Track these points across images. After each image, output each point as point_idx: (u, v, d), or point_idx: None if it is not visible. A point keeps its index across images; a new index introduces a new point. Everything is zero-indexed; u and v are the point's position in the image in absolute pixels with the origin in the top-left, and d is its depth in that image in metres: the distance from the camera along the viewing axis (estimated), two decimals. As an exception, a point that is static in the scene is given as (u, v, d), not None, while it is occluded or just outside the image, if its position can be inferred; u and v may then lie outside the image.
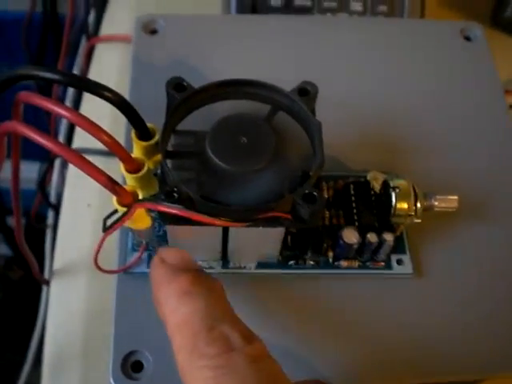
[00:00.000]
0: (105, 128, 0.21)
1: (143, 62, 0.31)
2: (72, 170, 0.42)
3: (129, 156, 0.23)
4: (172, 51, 0.31)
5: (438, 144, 0.30)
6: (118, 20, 0.50)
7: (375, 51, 0.33)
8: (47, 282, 0.41)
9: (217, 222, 0.20)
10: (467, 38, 0.35)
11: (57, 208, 0.51)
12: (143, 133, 0.23)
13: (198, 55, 0.31)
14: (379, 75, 0.32)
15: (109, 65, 0.46)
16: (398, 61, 0.33)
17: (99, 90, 0.22)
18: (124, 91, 0.39)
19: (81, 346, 0.34)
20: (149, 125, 0.23)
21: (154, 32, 0.32)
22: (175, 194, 0.21)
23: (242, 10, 0.38)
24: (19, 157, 0.29)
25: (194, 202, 0.21)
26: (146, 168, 0.23)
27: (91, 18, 0.53)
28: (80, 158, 0.21)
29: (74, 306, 0.36)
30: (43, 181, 0.50)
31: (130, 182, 0.23)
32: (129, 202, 0.22)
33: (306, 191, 0.22)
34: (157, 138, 0.23)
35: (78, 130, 0.42)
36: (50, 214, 0.54)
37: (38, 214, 0.56)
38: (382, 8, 0.38)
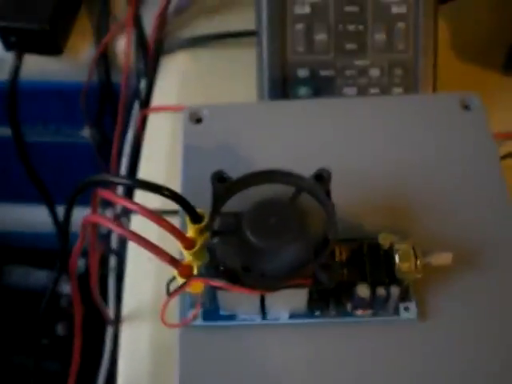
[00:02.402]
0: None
1: (192, 149, 0.38)
2: (135, 223, 0.49)
3: (185, 237, 0.29)
4: (215, 138, 0.38)
5: (438, 207, 0.36)
6: (167, 89, 0.57)
7: (380, 128, 0.39)
8: (113, 323, 0.48)
9: (253, 291, 0.27)
10: (466, 107, 0.40)
11: (118, 254, 0.59)
12: (195, 217, 0.30)
13: (238, 141, 0.38)
14: (387, 151, 0.38)
15: (161, 132, 0.53)
16: (402, 135, 0.39)
17: (159, 190, 0.29)
18: (173, 157, 0.45)
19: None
20: (199, 210, 0.30)
21: (199, 121, 0.39)
22: (221, 268, 0.28)
23: (274, 94, 0.45)
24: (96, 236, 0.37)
25: (235, 273, 0.28)
26: (198, 245, 0.29)
27: (142, 85, 0.60)
28: (148, 242, 0.28)
29: (142, 347, 0.43)
30: (109, 232, 0.57)
31: (186, 255, 0.30)
32: (187, 274, 0.29)
33: (323, 261, 0.28)
34: (205, 221, 0.30)
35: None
36: (113, 259, 0.60)
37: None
38: (397, 90, 0.45)
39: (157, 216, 0.28)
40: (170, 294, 0.30)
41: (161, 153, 0.52)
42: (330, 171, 0.31)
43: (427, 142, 0.38)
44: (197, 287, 0.30)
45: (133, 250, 0.48)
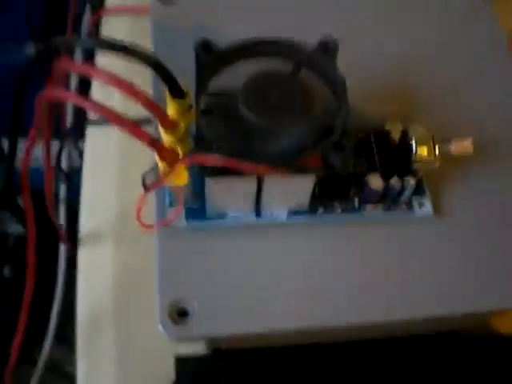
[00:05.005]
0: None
1: (163, 32, 0.32)
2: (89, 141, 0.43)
3: (166, 114, 0.24)
4: (191, 19, 0.32)
5: (448, 94, 0.31)
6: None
7: (383, 9, 0.34)
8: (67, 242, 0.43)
9: (260, 168, 0.22)
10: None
11: (69, 178, 0.53)
12: (177, 91, 0.24)
13: (216, 21, 0.32)
14: (389, 31, 0.33)
15: (118, 38, 0.47)
16: (417, 10, 0.34)
17: (133, 52, 0.23)
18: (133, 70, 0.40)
19: (113, 307, 0.36)
20: (181, 84, 0.25)
21: (171, 2, 0.33)
22: (214, 148, 0.23)
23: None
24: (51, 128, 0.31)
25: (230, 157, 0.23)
26: (182, 126, 0.24)
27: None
28: (121, 118, 0.22)
29: (103, 268, 0.38)
30: (59, 156, 0.51)
31: (166, 139, 0.24)
32: (172, 157, 0.23)
33: (336, 140, 0.23)
34: (190, 96, 0.25)
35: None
36: (62, 188, 0.55)
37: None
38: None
39: (133, 88, 0.23)
40: (147, 188, 0.25)
41: (117, 61, 0.46)
42: (336, 40, 0.26)
43: (434, 22, 0.34)
44: (181, 179, 0.24)
45: (90, 161, 0.43)
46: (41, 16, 0.58)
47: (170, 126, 0.24)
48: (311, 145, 0.24)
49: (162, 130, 0.24)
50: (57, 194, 0.54)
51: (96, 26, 0.50)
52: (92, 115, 0.44)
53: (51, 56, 0.24)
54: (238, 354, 0.31)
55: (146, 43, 0.34)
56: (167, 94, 0.24)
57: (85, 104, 0.22)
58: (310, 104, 0.25)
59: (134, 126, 0.22)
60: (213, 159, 0.22)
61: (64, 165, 0.54)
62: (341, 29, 0.27)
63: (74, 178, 0.48)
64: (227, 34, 0.31)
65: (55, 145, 0.53)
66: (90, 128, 0.44)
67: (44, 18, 0.59)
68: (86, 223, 0.40)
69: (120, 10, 0.48)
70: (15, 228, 0.80)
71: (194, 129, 0.24)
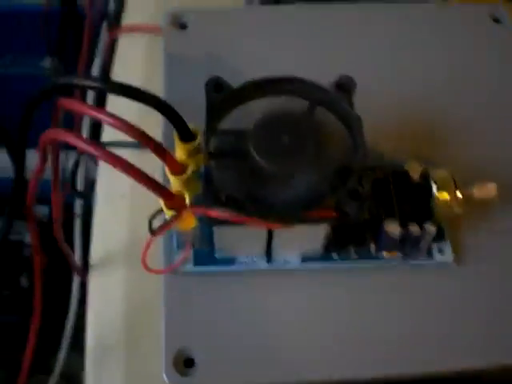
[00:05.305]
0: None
1: (175, 59, 0.31)
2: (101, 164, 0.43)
3: (174, 159, 0.23)
4: (202, 46, 0.31)
5: (472, 132, 0.30)
6: (140, 9, 0.50)
7: (406, 38, 0.33)
8: (81, 271, 0.42)
9: (269, 224, 0.21)
10: (496, 21, 0.34)
11: (84, 196, 0.52)
12: (186, 135, 0.23)
13: (229, 49, 0.31)
14: (413, 64, 0.32)
15: (134, 57, 0.46)
16: (429, 48, 0.33)
17: (141, 95, 0.22)
18: (150, 85, 0.39)
19: (123, 335, 0.35)
20: (190, 126, 0.24)
21: (183, 27, 0.32)
22: (222, 197, 0.22)
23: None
24: (59, 163, 0.30)
25: (239, 203, 0.22)
26: (190, 170, 0.23)
27: (111, 6, 0.52)
28: (127, 164, 0.21)
29: (113, 296, 0.37)
30: (75, 171, 0.50)
31: (174, 183, 0.24)
32: (177, 205, 0.22)
33: (351, 188, 0.22)
34: (199, 139, 0.24)
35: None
36: (78, 203, 0.54)
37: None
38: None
39: (138, 130, 0.22)
40: (153, 232, 0.24)
41: (133, 81, 0.45)
42: (353, 79, 0.25)
43: (454, 54, 0.33)
44: (188, 222, 0.23)
45: (103, 186, 0.42)
46: (57, 31, 0.58)
47: (178, 170, 0.23)
48: (325, 191, 0.23)
49: (169, 174, 0.23)
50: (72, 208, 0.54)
51: (112, 43, 0.49)
52: (105, 137, 0.43)
53: (60, 93, 0.24)
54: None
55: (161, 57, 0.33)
56: (176, 137, 0.23)
57: (92, 150, 0.22)
58: (325, 147, 0.24)
59: (138, 172, 0.21)
60: (221, 213, 0.21)
61: (80, 178, 0.53)
62: (354, 68, 0.26)
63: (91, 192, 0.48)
64: (238, 62, 0.30)
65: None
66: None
67: (60, 33, 0.59)
68: (97, 249, 0.40)
69: (137, 29, 0.47)
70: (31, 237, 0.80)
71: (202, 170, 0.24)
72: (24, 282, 0.84)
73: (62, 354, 0.51)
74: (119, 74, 0.47)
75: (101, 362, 0.35)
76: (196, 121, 0.24)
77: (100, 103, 0.45)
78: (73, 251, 0.48)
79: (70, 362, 0.51)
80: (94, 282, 0.38)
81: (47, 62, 0.61)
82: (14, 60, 0.64)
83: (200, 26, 0.32)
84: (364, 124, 0.24)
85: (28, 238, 0.81)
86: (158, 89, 0.33)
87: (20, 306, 0.77)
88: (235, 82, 0.25)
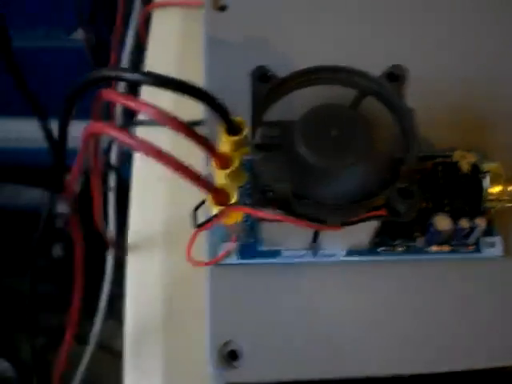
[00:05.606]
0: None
1: (216, 43, 0.30)
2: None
3: (218, 152, 0.22)
4: (244, 29, 0.30)
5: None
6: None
7: (459, 21, 0.32)
8: (116, 248, 0.42)
9: (314, 226, 0.20)
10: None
11: (118, 170, 0.52)
12: (231, 127, 0.23)
13: (273, 32, 0.30)
14: (463, 49, 0.31)
15: (168, 32, 0.45)
16: (480, 32, 0.32)
17: (186, 88, 0.22)
18: (185, 61, 0.38)
19: (162, 320, 0.35)
20: (236, 118, 0.23)
21: (223, 8, 0.31)
22: (270, 193, 0.21)
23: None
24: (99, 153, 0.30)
25: (287, 200, 0.21)
26: (236, 163, 0.23)
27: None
28: (174, 160, 0.21)
29: (152, 280, 0.37)
30: (110, 146, 0.50)
31: (219, 176, 0.23)
32: (224, 201, 0.22)
33: (402, 186, 0.21)
34: (245, 131, 0.23)
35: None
36: (112, 177, 0.54)
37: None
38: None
39: (182, 123, 0.21)
40: (198, 226, 0.24)
41: (168, 57, 0.44)
42: (405, 68, 0.24)
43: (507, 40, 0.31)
44: (234, 217, 0.23)
45: (139, 168, 0.42)
46: (89, 4, 0.57)
47: (224, 164, 0.23)
48: (376, 187, 0.22)
49: (215, 168, 0.23)
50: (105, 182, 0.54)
51: (147, 17, 0.48)
52: (140, 116, 0.43)
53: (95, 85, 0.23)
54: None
55: (197, 39, 0.32)
56: (221, 130, 0.23)
57: (130, 141, 0.21)
58: (374, 141, 0.23)
59: (187, 170, 0.21)
60: (269, 216, 0.20)
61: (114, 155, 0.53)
62: (404, 55, 0.25)
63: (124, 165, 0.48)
64: (282, 47, 0.29)
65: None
66: (138, 129, 0.43)
67: (93, 5, 0.58)
68: (135, 229, 0.40)
69: (171, 3, 0.46)
70: (63, 208, 0.81)
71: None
72: (56, 252, 0.85)
73: (97, 324, 0.52)
74: (153, 49, 0.46)
75: (140, 349, 0.35)
76: (238, 110, 0.23)
77: (133, 89, 0.45)
78: (107, 227, 0.49)
79: (105, 331, 0.52)
80: (133, 265, 0.38)
81: (79, 34, 0.60)
82: (46, 32, 0.64)
83: (241, 7, 0.31)
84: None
85: (59, 208, 0.82)
86: (192, 66, 0.32)
87: (55, 276, 0.78)
88: (279, 68, 0.24)
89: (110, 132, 0.22)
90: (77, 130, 0.28)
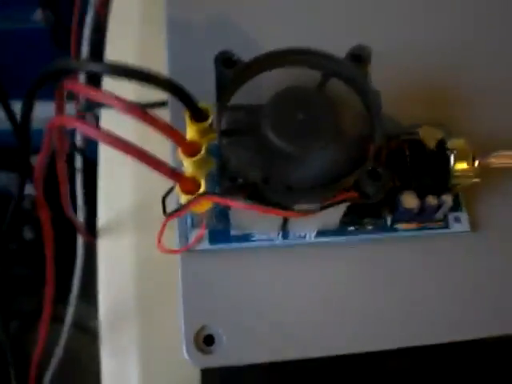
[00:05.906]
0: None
1: (178, 25, 0.29)
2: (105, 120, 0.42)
3: (186, 141, 0.22)
4: (208, 9, 0.30)
5: (489, 97, 0.29)
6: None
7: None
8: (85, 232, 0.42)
9: (288, 214, 0.20)
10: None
11: (84, 152, 0.51)
12: (198, 114, 0.23)
13: (235, 13, 0.30)
14: (426, 22, 0.31)
15: (130, 10, 0.44)
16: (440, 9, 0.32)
17: (147, 78, 0.21)
18: (147, 42, 0.38)
19: (136, 303, 0.35)
20: (201, 104, 0.23)
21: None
22: (239, 180, 0.21)
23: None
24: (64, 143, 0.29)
25: (256, 186, 0.21)
26: (203, 150, 0.22)
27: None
28: (138, 150, 0.21)
29: (123, 263, 0.37)
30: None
31: (187, 164, 0.23)
32: (193, 189, 0.22)
33: (370, 168, 0.22)
34: (211, 117, 0.23)
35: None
36: (78, 158, 0.53)
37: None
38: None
39: (145, 113, 0.21)
40: (168, 214, 0.24)
41: (130, 36, 0.43)
42: (369, 48, 0.24)
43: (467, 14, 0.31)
44: (204, 205, 0.23)
45: (106, 149, 0.41)
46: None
47: (191, 151, 0.22)
48: (344, 169, 0.22)
49: (182, 156, 0.22)
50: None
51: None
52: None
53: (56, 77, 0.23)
54: (268, 367, 0.30)
55: (159, 20, 0.31)
56: (187, 117, 0.23)
57: (94, 133, 0.21)
58: (342, 122, 0.23)
59: (151, 159, 0.21)
60: (238, 204, 0.20)
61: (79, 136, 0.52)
62: (366, 35, 0.25)
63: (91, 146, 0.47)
64: (246, 29, 0.29)
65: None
66: (104, 112, 0.43)
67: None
68: (104, 214, 0.39)
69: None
70: (30, 189, 0.79)
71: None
72: (27, 234, 0.84)
73: (72, 305, 0.52)
74: (114, 29, 0.45)
75: (114, 330, 0.35)
76: (202, 94, 0.23)
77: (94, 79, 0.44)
78: (75, 206, 0.48)
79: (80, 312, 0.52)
80: (103, 248, 0.38)
81: (38, 15, 0.59)
82: (6, 14, 0.62)
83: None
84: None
85: (26, 190, 0.80)
86: (155, 46, 0.31)
87: (28, 258, 0.77)
88: (244, 51, 0.24)
89: (74, 125, 0.22)
90: (41, 111, 0.27)
